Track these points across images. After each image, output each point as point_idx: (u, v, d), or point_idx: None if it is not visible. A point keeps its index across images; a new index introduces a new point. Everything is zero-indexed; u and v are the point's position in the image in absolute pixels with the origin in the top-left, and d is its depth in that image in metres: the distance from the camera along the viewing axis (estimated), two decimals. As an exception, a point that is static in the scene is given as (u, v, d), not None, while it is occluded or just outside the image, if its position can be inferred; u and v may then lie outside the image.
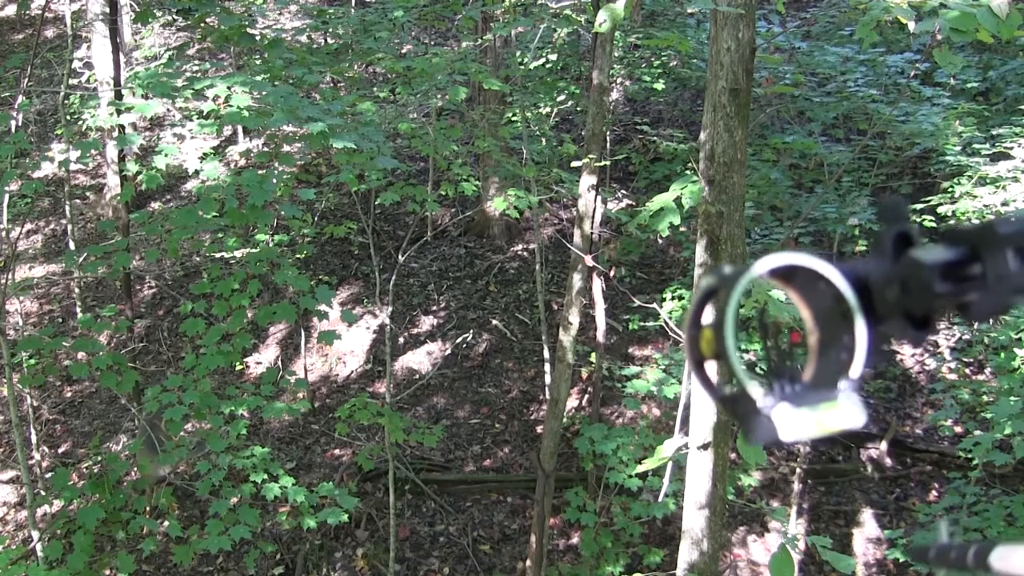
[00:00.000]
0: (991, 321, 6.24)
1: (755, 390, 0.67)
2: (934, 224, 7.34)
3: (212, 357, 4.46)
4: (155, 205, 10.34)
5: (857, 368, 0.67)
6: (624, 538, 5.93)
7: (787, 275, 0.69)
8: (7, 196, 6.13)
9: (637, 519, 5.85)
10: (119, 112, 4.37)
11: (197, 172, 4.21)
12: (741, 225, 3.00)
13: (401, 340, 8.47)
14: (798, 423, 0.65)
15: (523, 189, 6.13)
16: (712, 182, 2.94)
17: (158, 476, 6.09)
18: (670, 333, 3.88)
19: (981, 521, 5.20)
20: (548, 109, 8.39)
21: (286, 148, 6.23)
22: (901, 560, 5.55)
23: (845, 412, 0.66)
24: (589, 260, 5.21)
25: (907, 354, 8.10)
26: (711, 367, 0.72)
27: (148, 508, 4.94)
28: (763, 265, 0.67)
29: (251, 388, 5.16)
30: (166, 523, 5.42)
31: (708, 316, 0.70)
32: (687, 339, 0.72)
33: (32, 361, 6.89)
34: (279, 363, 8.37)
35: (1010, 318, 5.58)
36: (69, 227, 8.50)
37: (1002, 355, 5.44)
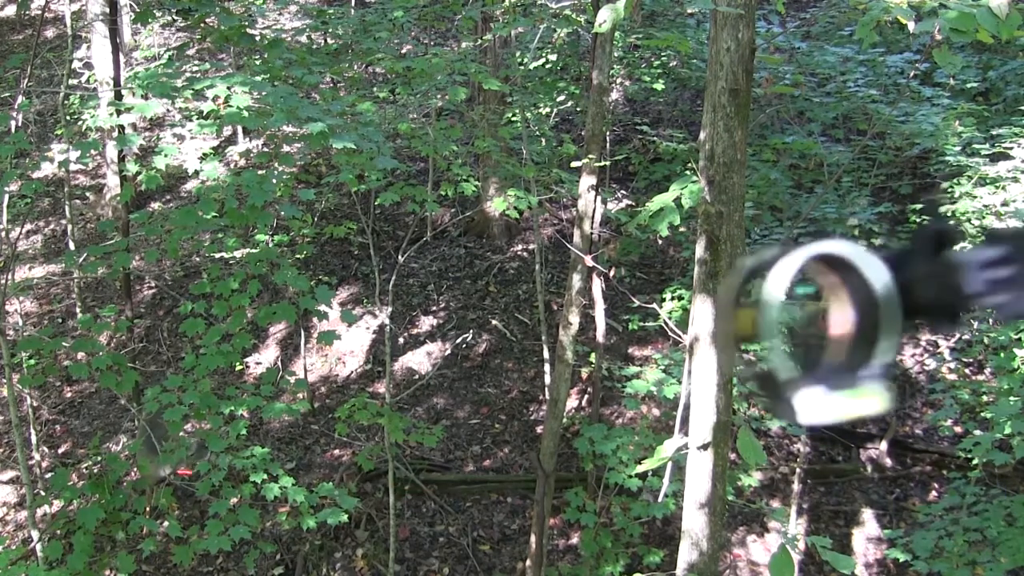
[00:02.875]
0: (991, 321, 6.24)
1: (791, 371, 0.68)
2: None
3: (212, 357, 4.46)
4: (155, 205, 10.34)
5: (886, 355, 0.67)
6: (624, 538, 5.93)
7: (831, 262, 0.69)
8: (7, 196, 6.13)
9: (637, 519, 5.85)
10: (119, 112, 4.37)
11: (197, 172, 4.21)
12: (741, 225, 3.00)
13: (401, 340, 8.47)
14: (829, 406, 0.66)
15: (523, 189, 6.13)
16: (712, 182, 2.94)
17: (158, 477, 6.09)
18: (670, 333, 3.88)
19: (981, 521, 5.20)
20: (548, 109, 8.39)
21: (286, 148, 6.23)
22: (901, 560, 5.55)
23: (873, 397, 0.67)
24: (589, 260, 5.21)
25: (907, 354, 8.09)
26: (744, 346, 0.73)
27: (148, 508, 4.94)
28: (811, 250, 0.68)
29: (251, 388, 5.16)
30: (166, 523, 5.42)
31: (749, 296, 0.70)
32: (725, 316, 0.72)
33: (32, 361, 6.89)
34: (279, 363, 8.37)
35: (1010, 318, 5.57)
36: (69, 227, 8.51)
37: (1002, 355, 5.44)
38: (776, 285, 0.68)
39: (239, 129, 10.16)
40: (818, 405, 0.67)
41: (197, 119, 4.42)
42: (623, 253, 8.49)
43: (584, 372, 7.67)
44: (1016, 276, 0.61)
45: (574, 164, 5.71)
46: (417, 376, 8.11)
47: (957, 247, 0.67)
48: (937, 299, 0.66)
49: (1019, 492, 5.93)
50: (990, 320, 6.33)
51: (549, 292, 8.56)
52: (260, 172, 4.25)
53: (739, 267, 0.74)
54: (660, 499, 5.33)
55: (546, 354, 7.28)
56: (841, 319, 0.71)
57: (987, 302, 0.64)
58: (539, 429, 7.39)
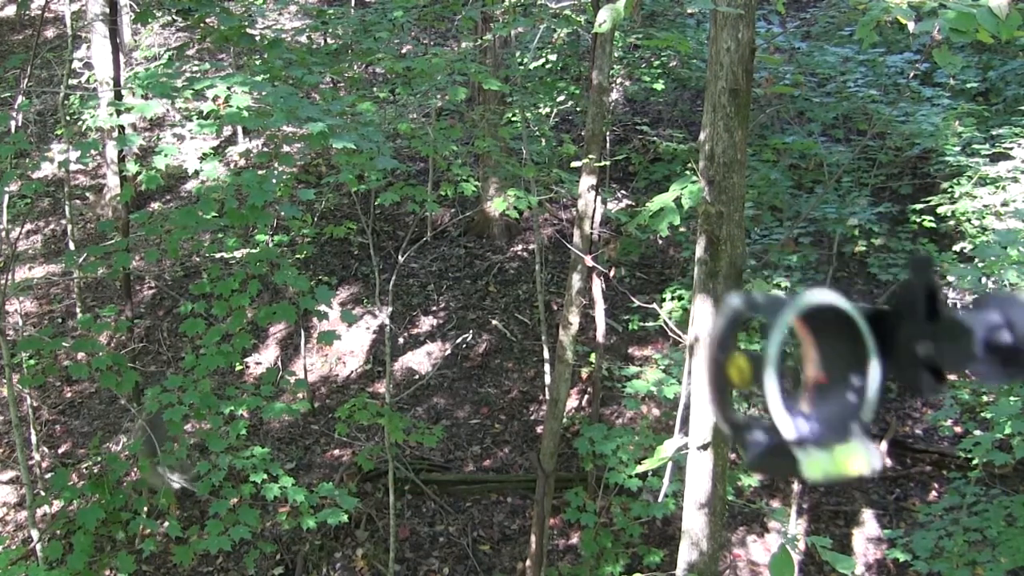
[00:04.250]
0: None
1: (781, 425, 0.67)
2: (934, 224, 7.34)
3: (212, 357, 4.46)
4: (155, 205, 10.34)
5: (868, 412, 0.67)
6: (624, 538, 5.93)
7: (816, 313, 0.68)
8: (7, 196, 6.13)
9: (637, 519, 5.84)
10: (119, 112, 4.37)
11: (197, 172, 4.21)
12: (741, 225, 3.00)
13: (401, 340, 8.47)
14: (815, 463, 0.65)
15: (523, 189, 6.12)
16: (712, 182, 2.94)
17: (171, 487, 6.12)
18: (670, 333, 3.88)
19: (981, 521, 5.20)
20: (548, 109, 8.39)
21: (286, 148, 6.24)
22: (901, 560, 5.55)
23: (859, 456, 0.65)
24: (589, 260, 5.21)
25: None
26: (729, 391, 0.72)
27: (147, 508, 4.94)
28: (805, 302, 0.66)
29: (251, 388, 5.16)
30: (166, 523, 5.42)
31: (733, 343, 0.69)
32: (711, 362, 0.71)
33: (32, 361, 6.89)
34: (279, 363, 8.37)
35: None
36: (69, 227, 8.51)
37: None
38: (774, 339, 0.67)
39: (239, 129, 10.17)
40: (809, 461, 0.66)
41: (197, 119, 4.42)
42: (623, 253, 8.49)
43: (584, 372, 7.67)
44: (1016, 344, 0.61)
45: (574, 164, 5.71)
46: (417, 376, 8.11)
47: (951, 307, 0.66)
48: (935, 358, 0.65)
49: (1019, 492, 5.93)
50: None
51: (549, 292, 8.56)
52: (260, 172, 4.25)
53: (728, 311, 0.73)
54: (660, 499, 5.33)
55: (546, 354, 7.28)
56: (818, 372, 0.70)
57: (979, 369, 0.63)
58: (539, 429, 7.39)
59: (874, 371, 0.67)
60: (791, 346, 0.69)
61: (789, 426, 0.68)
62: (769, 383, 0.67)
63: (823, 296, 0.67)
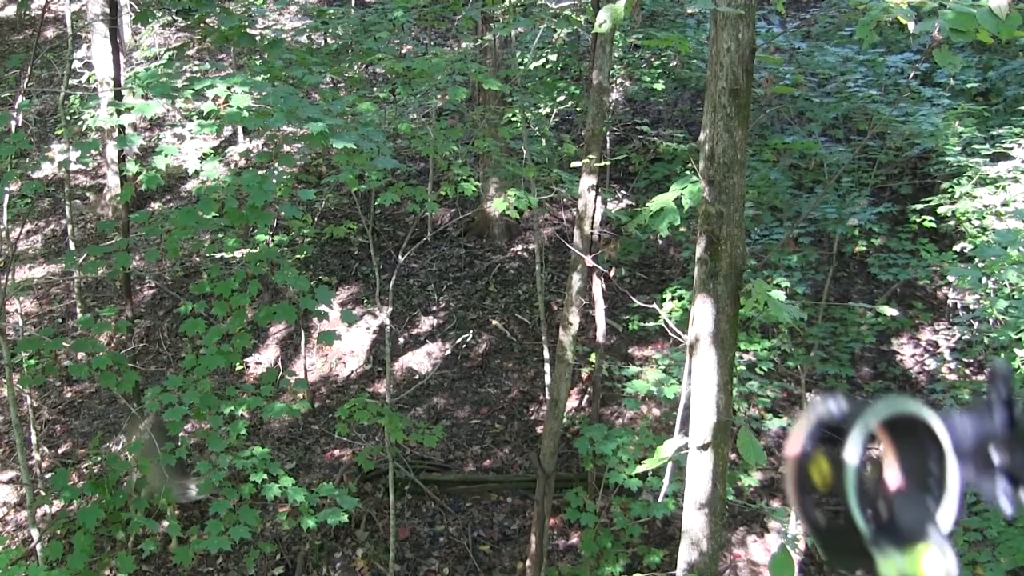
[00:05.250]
0: (991, 321, 6.24)
1: (860, 526, 0.68)
2: (934, 224, 7.34)
3: (212, 357, 4.46)
4: (155, 205, 10.34)
5: (949, 516, 0.67)
6: (624, 538, 5.93)
7: (897, 421, 0.70)
8: (7, 196, 6.13)
9: (637, 519, 5.85)
10: (119, 112, 4.37)
11: (197, 172, 4.20)
12: (741, 225, 3.00)
13: (401, 340, 8.47)
14: (891, 563, 0.66)
15: (523, 189, 6.12)
16: (712, 182, 2.94)
17: (185, 493, 6.15)
18: (670, 333, 3.88)
19: (981, 521, 5.20)
20: (548, 109, 8.39)
21: (286, 148, 6.23)
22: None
23: (935, 558, 0.66)
24: (589, 260, 5.21)
25: (907, 354, 8.10)
26: (811, 493, 0.73)
27: (147, 508, 4.94)
28: (881, 411, 0.68)
29: (251, 388, 5.16)
30: (166, 523, 5.42)
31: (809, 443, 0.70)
32: (795, 464, 0.72)
33: (32, 361, 6.89)
34: (279, 363, 8.37)
35: (1009, 318, 5.58)
36: (69, 227, 8.51)
37: (1002, 355, 5.44)
38: (855, 444, 0.68)
39: (239, 129, 10.16)
40: (890, 563, 0.68)
41: (197, 119, 4.42)
42: (623, 253, 8.49)
43: (584, 372, 7.67)
44: None
45: (574, 164, 5.71)
46: (417, 376, 8.11)
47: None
48: (1009, 470, 0.67)
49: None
50: (990, 321, 6.33)
51: (549, 292, 8.56)
52: (260, 172, 4.25)
53: (812, 415, 0.75)
54: (660, 499, 5.33)
55: (546, 354, 7.28)
56: (897, 476, 0.72)
57: None
58: (539, 429, 7.39)
59: (953, 477, 0.69)
60: (872, 450, 0.71)
61: (867, 528, 0.69)
62: (849, 485, 0.69)
63: (905, 405, 0.69)
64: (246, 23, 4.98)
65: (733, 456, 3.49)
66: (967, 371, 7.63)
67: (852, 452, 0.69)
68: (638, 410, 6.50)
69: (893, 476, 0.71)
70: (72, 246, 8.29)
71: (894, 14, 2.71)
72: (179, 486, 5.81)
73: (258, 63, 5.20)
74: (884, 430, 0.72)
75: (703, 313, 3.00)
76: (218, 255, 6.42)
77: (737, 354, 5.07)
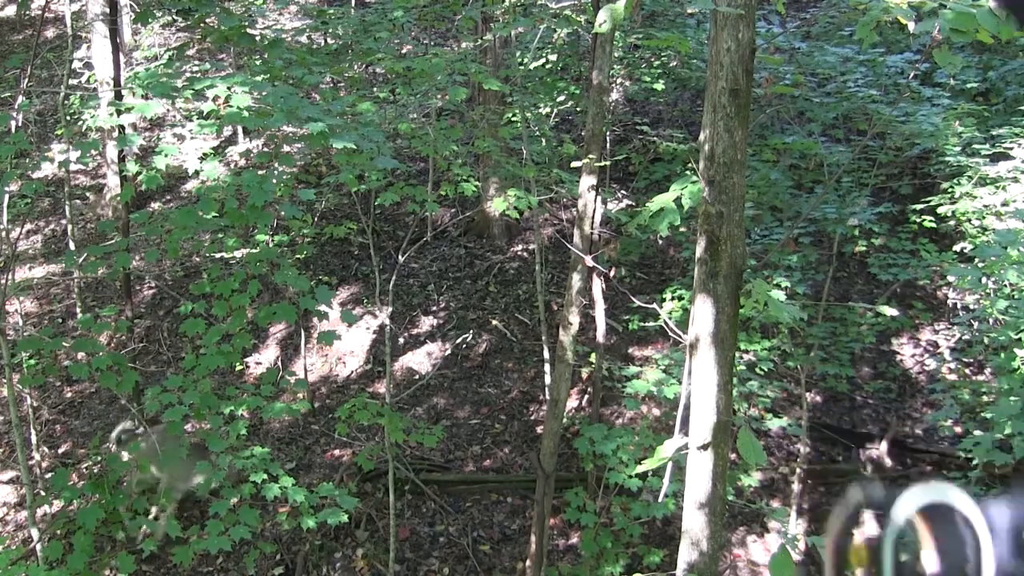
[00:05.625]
0: (991, 321, 6.24)
1: None
2: (934, 224, 7.34)
3: (212, 357, 4.46)
4: (155, 205, 10.34)
5: None
6: (624, 538, 5.93)
7: (935, 507, 0.72)
8: (7, 196, 6.13)
9: (637, 519, 5.85)
10: (119, 112, 4.37)
11: (197, 172, 4.20)
12: (741, 225, 3.00)
13: (401, 340, 8.47)
14: None
15: (523, 189, 6.13)
16: (712, 182, 2.94)
17: (187, 487, 6.14)
18: (670, 333, 3.88)
19: (981, 521, 5.20)
20: (548, 109, 8.39)
21: (286, 148, 6.23)
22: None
23: None
24: (589, 260, 5.20)
25: (907, 354, 8.10)
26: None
27: (147, 508, 4.94)
28: (918, 499, 0.69)
29: (251, 388, 5.16)
30: (164, 523, 5.41)
31: (852, 531, 0.73)
32: (833, 548, 0.74)
33: (32, 361, 6.89)
34: (279, 363, 8.37)
35: (1009, 318, 5.58)
36: (69, 227, 8.51)
37: (1002, 355, 5.44)
38: (892, 530, 0.70)
39: (239, 129, 10.17)
40: None
41: (197, 119, 4.42)
42: (623, 253, 8.49)
43: (584, 372, 7.67)
44: None
45: (574, 164, 5.71)
46: (417, 376, 8.11)
47: None
48: None
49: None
50: (990, 321, 6.33)
51: (549, 292, 8.56)
52: (260, 172, 4.25)
53: (850, 502, 0.77)
54: (660, 499, 5.33)
55: (546, 354, 7.28)
56: (934, 562, 0.73)
57: None
58: (539, 429, 7.39)
59: (988, 563, 0.70)
60: (909, 536, 0.72)
61: None
62: (887, 571, 0.70)
63: (941, 493, 0.70)
64: (246, 23, 4.98)
65: (733, 456, 3.48)
66: (967, 371, 7.63)
67: (888, 538, 0.71)
68: (638, 410, 6.50)
69: (930, 561, 0.72)
70: (72, 246, 8.29)
71: (894, 14, 2.71)
72: (185, 468, 5.79)
73: (258, 63, 5.20)
74: (921, 515, 0.73)
75: (703, 313, 3.00)
76: (218, 255, 6.42)
77: (737, 354, 5.07)
